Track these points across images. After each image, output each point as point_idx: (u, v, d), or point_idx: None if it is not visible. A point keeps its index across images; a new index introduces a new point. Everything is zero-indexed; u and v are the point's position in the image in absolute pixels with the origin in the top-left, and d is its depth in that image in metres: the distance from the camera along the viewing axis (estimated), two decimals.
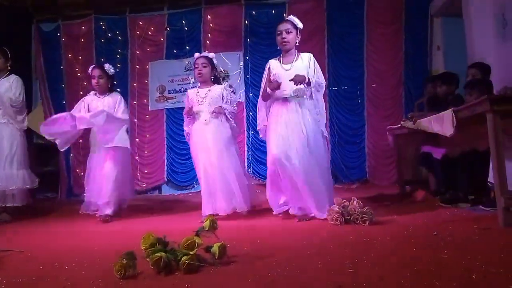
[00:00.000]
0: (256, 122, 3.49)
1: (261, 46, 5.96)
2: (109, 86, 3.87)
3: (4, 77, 4.01)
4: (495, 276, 1.40)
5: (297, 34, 3.14)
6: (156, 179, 6.19)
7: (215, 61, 3.62)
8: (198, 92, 3.54)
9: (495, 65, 3.60)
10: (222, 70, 3.91)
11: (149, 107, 6.27)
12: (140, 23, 6.30)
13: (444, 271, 1.50)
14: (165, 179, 6.15)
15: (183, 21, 6.20)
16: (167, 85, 6.23)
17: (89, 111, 3.72)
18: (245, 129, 5.95)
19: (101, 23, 6.34)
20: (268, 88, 3.08)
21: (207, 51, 3.88)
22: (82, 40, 6.38)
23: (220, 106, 3.43)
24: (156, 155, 6.22)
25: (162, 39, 6.25)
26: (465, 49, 4.42)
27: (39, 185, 4.16)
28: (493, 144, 2.33)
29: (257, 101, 3.47)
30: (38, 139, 6.16)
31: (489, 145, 2.38)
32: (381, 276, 1.47)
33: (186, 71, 6.14)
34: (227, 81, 3.85)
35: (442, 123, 2.81)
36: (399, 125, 4.04)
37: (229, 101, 3.53)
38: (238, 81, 5.99)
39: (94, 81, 3.81)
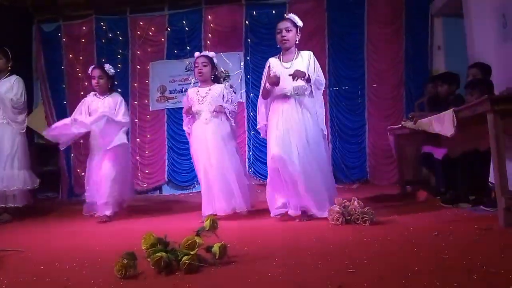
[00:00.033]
0: (257, 122, 3.48)
1: (262, 46, 5.96)
2: (109, 86, 3.87)
3: (5, 78, 4.00)
4: (496, 276, 1.40)
5: (297, 32, 3.12)
6: (157, 179, 6.19)
7: (215, 60, 3.61)
8: (198, 91, 3.52)
9: (496, 65, 3.60)
10: (223, 70, 3.90)
11: (150, 107, 6.29)
12: (141, 23, 6.30)
13: (444, 271, 1.50)
14: (166, 179, 6.16)
15: (184, 21, 6.21)
16: (168, 85, 6.24)
17: (89, 112, 3.74)
18: (245, 129, 5.96)
19: (102, 24, 6.35)
20: (267, 83, 3.06)
21: (207, 51, 3.88)
22: (83, 40, 6.39)
23: (221, 105, 3.42)
24: (157, 155, 6.22)
25: (162, 39, 6.26)
26: (466, 49, 4.43)
27: (40, 185, 4.16)
28: (494, 144, 2.32)
29: (257, 101, 3.46)
30: (38, 139, 6.19)
31: (490, 145, 2.37)
32: (381, 276, 1.47)
33: (186, 71, 6.14)
34: (227, 81, 3.84)
35: (442, 123, 2.81)
36: (400, 125, 4.04)
37: (230, 100, 3.52)
38: (239, 81, 6.00)
39: (94, 82, 3.81)
